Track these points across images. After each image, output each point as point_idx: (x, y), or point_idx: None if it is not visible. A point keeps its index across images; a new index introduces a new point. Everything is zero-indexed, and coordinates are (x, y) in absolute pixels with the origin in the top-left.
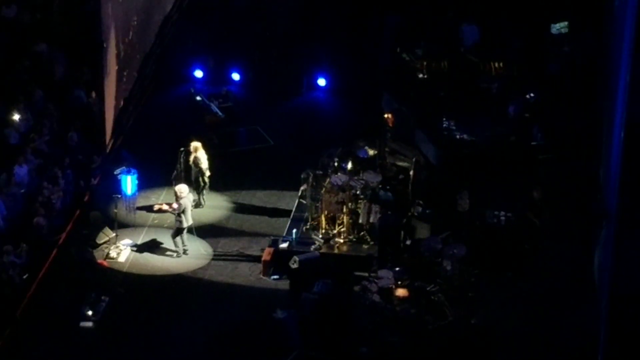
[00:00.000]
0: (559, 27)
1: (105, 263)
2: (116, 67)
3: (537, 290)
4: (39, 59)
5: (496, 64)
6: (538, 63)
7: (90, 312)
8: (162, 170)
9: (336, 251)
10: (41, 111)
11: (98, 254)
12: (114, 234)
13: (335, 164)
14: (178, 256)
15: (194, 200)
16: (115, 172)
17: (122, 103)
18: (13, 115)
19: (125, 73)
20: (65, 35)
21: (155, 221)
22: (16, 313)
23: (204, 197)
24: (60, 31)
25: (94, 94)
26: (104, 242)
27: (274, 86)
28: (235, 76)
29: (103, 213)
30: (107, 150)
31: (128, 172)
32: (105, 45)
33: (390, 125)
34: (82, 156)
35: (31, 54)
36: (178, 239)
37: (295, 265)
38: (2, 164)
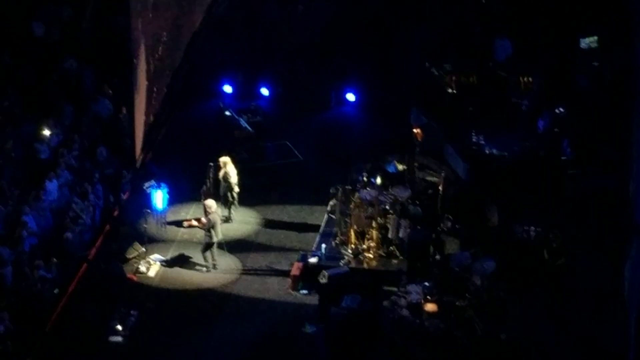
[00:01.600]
0: (589, 41)
1: (134, 277)
2: (146, 83)
3: (567, 305)
4: (68, 74)
5: (525, 79)
6: (567, 77)
7: (119, 327)
8: (191, 185)
9: (365, 266)
10: (71, 126)
11: (128, 269)
12: (144, 249)
13: (364, 178)
14: (207, 271)
15: (223, 215)
16: (144, 187)
17: (151, 118)
18: (43, 130)
19: (155, 88)
20: (95, 51)
21: (185, 235)
22: (46, 327)
23: (233, 211)
24: (90, 47)
25: (124, 110)
26: (134, 257)
27: (302, 101)
28: (264, 91)
29: (133, 228)
30: (137, 165)
31: (158, 187)
32: (135, 61)
33: (419, 139)
34: (112, 171)
35: (61, 69)
36: (207, 253)
37: (324, 280)
38: (32, 179)
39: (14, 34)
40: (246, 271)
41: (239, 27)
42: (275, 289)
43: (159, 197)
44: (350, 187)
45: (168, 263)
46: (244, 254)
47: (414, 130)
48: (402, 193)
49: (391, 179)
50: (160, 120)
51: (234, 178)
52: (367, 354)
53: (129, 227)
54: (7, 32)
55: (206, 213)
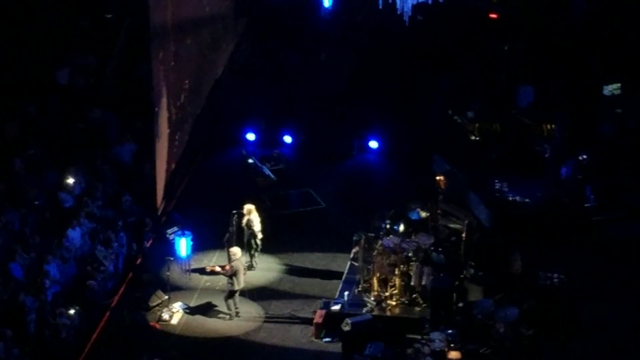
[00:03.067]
0: (612, 88)
1: (157, 325)
2: (167, 131)
3: (592, 353)
4: (92, 123)
5: (548, 126)
6: (590, 124)
7: None
8: (215, 233)
9: (388, 313)
10: (94, 174)
11: (150, 317)
12: (166, 297)
13: (387, 226)
14: (230, 318)
15: (246, 263)
16: (167, 234)
17: (173, 166)
18: (67, 178)
19: (176, 136)
20: (118, 100)
21: (208, 283)
22: None
23: (256, 259)
24: (113, 95)
25: (148, 157)
26: (157, 305)
27: (325, 148)
28: (287, 139)
29: (155, 275)
30: (158, 213)
31: (182, 234)
32: (156, 109)
33: (442, 187)
34: (135, 219)
35: (85, 118)
36: (230, 301)
37: (347, 328)
38: (56, 228)
39: (37, 82)
40: (269, 319)
41: (261, 75)
42: (298, 336)
43: (182, 245)
44: (373, 235)
45: (191, 311)
46: (266, 302)
47: (437, 177)
48: (425, 240)
49: (414, 227)
50: (183, 168)
51: (257, 226)
52: None
53: (152, 275)
54: (31, 81)
55: (230, 260)
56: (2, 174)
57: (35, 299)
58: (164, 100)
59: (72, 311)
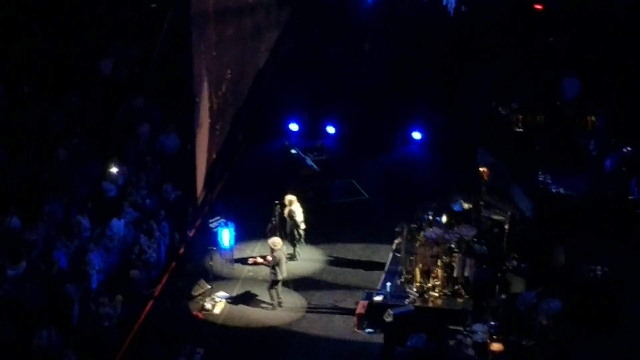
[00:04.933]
0: None
1: (200, 315)
2: (209, 121)
3: (634, 347)
4: (135, 112)
5: (592, 118)
6: (635, 116)
7: None
8: (257, 223)
9: (430, 305)
10: (138, 164)
11: (193, 306)
12: (209, 286)
13: (430, 217)
14: (273, 308)
15: (288, 253)
16: (210, 224)
17: (214, 156)
18: (111, 167)
19: (218, 126)
20: (160, 89)
21: (250, 273)
22: None
23: (299, 249)
24: (155, 85)
25: (189, 147)
26: (199, 294)
27: (368, 139)
28: (330, 129)
29: (198, 265)
30: (199, 203)
31: (225, 225)
32: (198, 99)
33: (486, 178)
34: (178, 209)
35: (127, 107)
36: (273, 291)
37: (389, 319)
38: (100, 217)
39: (81, 72)
40: (311, 309)
41: (305, 66)
42: (341, 327)
43: (225, 235)
44: (415, 226)
45: (233, 300)
46: (309, 292)
47: (480, 169)
48: (467, 232)
49: (457, 218)
50: (224, 158)
51: (299, 216)
52: None
53: (195, 265)
54: (75, 71)
55: (271, 251)
56: (46, 164)
57: (79, 288)
58: (206, 90)
59: (114, 301)
